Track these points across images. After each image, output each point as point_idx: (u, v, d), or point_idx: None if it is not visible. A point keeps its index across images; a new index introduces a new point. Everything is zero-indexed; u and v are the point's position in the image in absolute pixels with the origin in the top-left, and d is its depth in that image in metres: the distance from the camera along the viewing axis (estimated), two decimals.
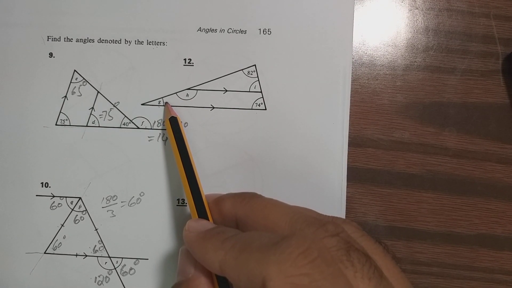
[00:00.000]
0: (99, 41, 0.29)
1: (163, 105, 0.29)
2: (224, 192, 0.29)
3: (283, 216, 0.21)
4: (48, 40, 0.30)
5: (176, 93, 0.29)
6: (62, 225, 0.29)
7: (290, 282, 0.17)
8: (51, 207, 0.29)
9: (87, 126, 0.29)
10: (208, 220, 0.23)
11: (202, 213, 0.23)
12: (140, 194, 0.29)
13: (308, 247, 0.18)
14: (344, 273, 0.17)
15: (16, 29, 0.30)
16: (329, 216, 0.22)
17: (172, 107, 0.29)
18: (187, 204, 0.29)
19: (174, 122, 0.27)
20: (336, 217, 0.21)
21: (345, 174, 0.29)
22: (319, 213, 0.22)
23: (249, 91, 0.29)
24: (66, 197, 0.29)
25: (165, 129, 0.29)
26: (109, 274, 0.29)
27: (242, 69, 0.29)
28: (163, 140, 0.29)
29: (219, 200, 0.23)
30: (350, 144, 0.29)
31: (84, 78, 0.30)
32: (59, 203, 0.29)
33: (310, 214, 0.21)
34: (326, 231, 0.19)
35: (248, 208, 0.22)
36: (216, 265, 0.19)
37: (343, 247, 0.18)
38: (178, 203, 0.29)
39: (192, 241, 0.21)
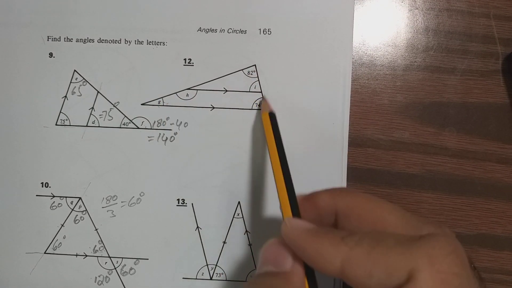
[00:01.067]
0: (99, 41, 0.29)
1: (163, 105, 0.29)
2: (224, 192, 0.29)
3: (394, 214, 0.20)
4: (48, 40, 0.30)
5: (176, 93, 0.29)
6: (62, 225, 0.29)
7: (441, 278, 0.16)
8: (51, 207, 0.29)
9: (87, 126, 0.29)
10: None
11: (296, 214, 0.22)
12: (140, 194, 0.29)
13: (457, 246, 0.17)
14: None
15: (16, 29, 0.30)
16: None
17: (172, 106, 0.29)
18: (186, 204, 0.29)
19: (273, 118, 0.26)
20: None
21: (345, 174, 0.29)
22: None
23: (249, 91, 0.29)
24: (66, 197, 0.29)
25: (165, 129, 0.29)
26: (109, 274, 0.29)
27: (242, 69, 0.29)
28: (163, 140, 0.29)
29: (312, 196, 0.22)
30: (350, 144, 0.29)
31: (84, 78, 0.30)
32: (59, 203, 0.29)
33: (415, 216, 0.20)
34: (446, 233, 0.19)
35: (350, 200, 0.21)
36: (337, 261, 0.18)
37: (469, 259, 0.18)
38: (178, 203, 0.29)
39: (300, 238, 0.19)
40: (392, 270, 0.17)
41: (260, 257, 0.21)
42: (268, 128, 0.26)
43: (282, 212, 0.22)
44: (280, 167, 0.23)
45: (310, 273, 0.20)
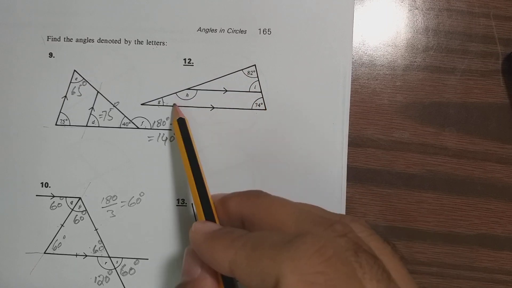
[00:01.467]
0: (99, 41, 0.29)
1: (163, 105, 0.29)
2: (225, 192, 0.29)
3: (289, 215, 0.20)
4: (48, 40, 0.30)
5: (176, 93, 0.29)
6: (62, 225, 0.29)
7: (304, 280, 0.16)
8: (51, 207, 0.29)
9: (87, 126, 0.29)
10: (215, 222, 0.23)
11: (209, 216, 0.23)
12: (140, 194, 0.29)
13: (323, 245, 0.17)
14: (357, 274, 0.17)
15: (16, 29, 0.30)
16: (336, 214, 0.21)
17: (172, 106, 0.29)
18: (186, 204, 0.29)
19: (182, 123, 0.27)
20: (344, 216, 0.21)
21: (345, 174, 0.29)
22: (326, 211, 0.21)
23: (249, 91, 0.29)
24: (66, 197, 0.29)
25: (165, 129, 0.29)
26: (109, 274, 0.29)
27: (242, 69, 0.29)
28: (162, 140, 0.29)
29: (224, 199, 0.23)
30: (350, 144, 0.29)
31: (84, 78, 0.30)
32: (59, 203, 0.29)
33: (317, 213, 0.20)
34: (334, 231, 0.19)
35: (253, 206, 0.22)
36: (226, 265, 0.19)
37: (352, 248, 0.18)
38: (178, 203, 0.29)
39: (199, 242, 0.20)
40: (265, 275, 0.17)
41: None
42: (177, 134, 0.27)
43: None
44: (191, 172, 0.24)
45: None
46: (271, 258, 0.17)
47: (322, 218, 0.20)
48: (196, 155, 0.25)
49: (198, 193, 0.24)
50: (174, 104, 0.29)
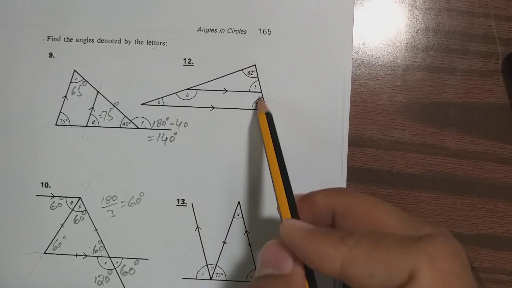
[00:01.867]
0: (99, 41, 0.29)
1: (163, 105, 0.29)
2: (224, 192, 0.29)
3: (391, 214, 0.20)
4: (48, 40, 0.30)
5: (176, 93, 0.29)
6: (62, 225, 0.29)
7: (441, 278, 0.16)
8: (51, 207, 0.29)
9: (87, 126, 0.29)
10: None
11: (295, 214, 0.22)
12: (140, 194, 0.29)
13: (458, 246, 0.17)
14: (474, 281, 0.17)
15: (16, 29, 0.30)
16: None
17: (172, 106, 0.29)
18: (186, 204, 0.29)
19: (270, 118, 0.26)
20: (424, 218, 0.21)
21: (345, 174, 0.29)
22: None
23: (249, 91, 0.29)
24: (66, 197, 0.29)
25: (165, 129, 0.29)
26: (109, 274, 0.29)
27: (242, 69, 0.29)
28: (162, 140, 0.29)
29: (309, 196, 0.22)
30: (350, 144, 0.29)
31: (84, 78, 0.30)
32: (59, 203, 0.29)
33: (412, 215, 0.20)
34: (446, 234, 0.18)
35: (347, 200, 0.21)
36: (337, 262, 0.18)
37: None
38: (178, 203, 0.29)
39: (299, 238, 0.19)
40: (393, 270, 0.17)
41: (260, 259, 0.20)
42: (265, 128, 0.26)
43: (280, 213, 0.22)
44: (278, 167, 0.23)
45: (310, 274, 0.20)
46: (402, 253, 0.17)
47: (424, 220, 0.19)
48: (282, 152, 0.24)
49: (285, 190, 0.22)
50: (260, 98, 0.29)
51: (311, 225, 0.20)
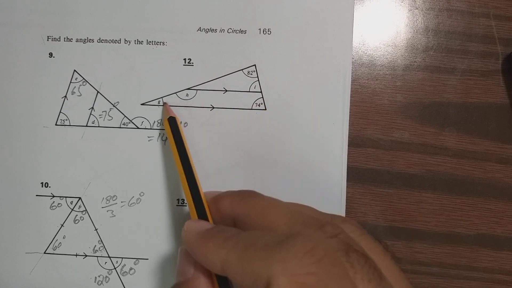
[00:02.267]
0: (99, 41, 0.29)
1: (163, 105, 0.29)
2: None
3: (281, 216, 0.20)
4: (48, 40, 0.30)
5: (175, 93, 0.29)
6: (62, 225, 0.29)
7: (295, 281, 0.16)
8: (51, 207, 0.29)
9: (87, 126, 0.29)
10: (208, 220, 0.23)
11: (201, 214, 0.23)
12: (140, 194, 0.29)
13: (314, 246, 0.17)
14: (349, 274, 0.17)
15: (16, 29, 0.30)
16: (328, 214, 0.21)
17: (172, 107, 0.29)
18: (186, 204, 0.29)
19: (172, 122, 0.27)
20: (335, 216, 0.21)
21: (345, 174, 0.29)
22: (318, 212, 0.21)
23: (249, 91, 0.29)
24: (66, 197, 0.29)
25: (165, 129, 0.29)
26: (109, 274, 0.29)
27: (242, 69, 0.29)
28: (162, 140, 0.29)
29: (217, 198, 0.23)
30: (350, 144, 0.29)
31: (84, 78, 0.30)
32: (59, 203, 0.29)
33: (308, 214, 0.20)
34: (324, 232, 0.19)
35: (246, 207, 0.22)
36: (218, 265, 0.19)
37: (342, 248, 0.18)
38: (178, 203, 0.29)
39: (191, 241, 0.20)
40: (256, 276, 0.17)
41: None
42: (169, 133, 0.26)
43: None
44: (183, 170, 0.24)
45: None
46: (262, 259, 0.17)
47: (313, 219, 0.20)
48: (188, 153, 0.25)
49: (190, 192, 0.23)
50: (165, 103, 0.29)
51: (210, 226, 0.21)
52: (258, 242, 0.18)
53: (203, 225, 0.21)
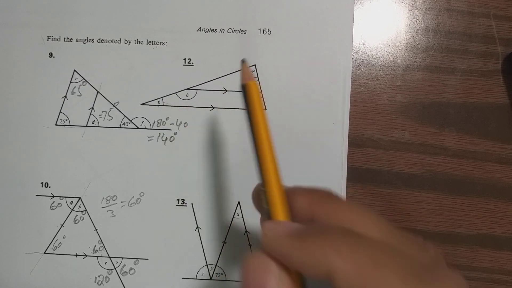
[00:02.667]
0: (99, 41, 0.29)
1: (163, 105, 0.29)
2: (224, 192, 0.29)
3: (377, 225, 0.18)
4: (48, 40, 0.30)
5: (175, 93, 0.29)
6: (62, 225, 0.29)
7: None
8: (51, 207, 0.29)
9: (87, 126, 0.29)
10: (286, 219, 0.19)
11: (282, 212, 0.19)
12: (140, 194, 0.29)
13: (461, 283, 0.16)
14: None
15: (16, 29, 0.30)
16: (394, 226, 0.19)
17: (172, 106, 0.29)
18: (186, 204, 0.29)
19: (255, 90, 0.21)
20: (409, 234, 0.19)
21: (345, 174, 0.29)
22: (390, 223, 0.19)
23: None
24: (66, 197, 0.29)
25: (165, 129, 0.29)
26: (109, 274, 0.29)
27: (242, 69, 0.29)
28: (162, 140, 0.29)
29: (290, 194, 0.20)
30: (350, 144, 0.29)
31: (84, 78, 0.30)
32: (59, 203, 0.29)
33: (392, 226, 0.19)
34: (435, 254, 0.18)
35: (330, 209, 0.19)
36: (323, 269, 0.16)
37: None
38: (178, 203, 0.29)
39: (283, 246, 0.17)
40: None
41: (242, 276, 0.18)
42: (256, 100, 0.21)
43: (264, 211, 0.19)
44: (270, 155, 0.20)
45: (303, 280, 0.18)
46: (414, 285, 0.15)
47: (409, 237, 0.18)
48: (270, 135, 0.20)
49: (275, 188, 0.19)
50: (243, 60, 0.21)
51: (297, 225, 0.18)
52: (409, 264, 0.16)
53: (290, 225, 0.18)
